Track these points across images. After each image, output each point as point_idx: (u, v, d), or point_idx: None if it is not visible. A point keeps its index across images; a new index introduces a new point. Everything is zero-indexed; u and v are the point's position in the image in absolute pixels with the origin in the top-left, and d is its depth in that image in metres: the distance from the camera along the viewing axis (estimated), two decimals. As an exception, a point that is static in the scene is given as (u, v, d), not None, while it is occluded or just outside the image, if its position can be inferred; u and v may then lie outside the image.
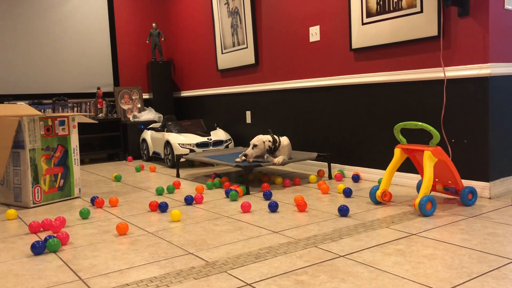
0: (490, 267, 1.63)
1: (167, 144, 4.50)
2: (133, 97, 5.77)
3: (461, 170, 2.79)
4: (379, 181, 3.02)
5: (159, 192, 3.18)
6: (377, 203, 2.67)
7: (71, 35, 5.49)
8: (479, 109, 2.70)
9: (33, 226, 2.35)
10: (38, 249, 1.98)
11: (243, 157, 3.36)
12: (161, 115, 5.52)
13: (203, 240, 2.09)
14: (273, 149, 3.33)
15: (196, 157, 3.81)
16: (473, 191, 2.54)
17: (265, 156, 3.35)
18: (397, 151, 2.62)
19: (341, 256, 1.80)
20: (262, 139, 3.31)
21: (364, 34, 3.30)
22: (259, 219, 2.43)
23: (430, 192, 2.56)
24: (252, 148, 3.30)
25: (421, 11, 2.90)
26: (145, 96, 6.02)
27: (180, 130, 4.56)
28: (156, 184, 3.63)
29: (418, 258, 1.74)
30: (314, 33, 3.75)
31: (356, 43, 3.37)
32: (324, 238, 2.05)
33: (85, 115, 5.23)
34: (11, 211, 2.66)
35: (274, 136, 3.36)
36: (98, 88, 5.48)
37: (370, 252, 1.83)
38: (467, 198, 2.52)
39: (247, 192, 3.10)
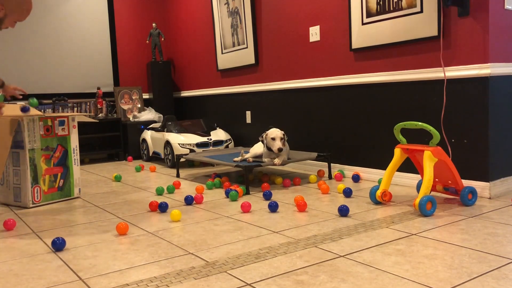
0: (490, 267, 1.63)
1: (167, 144, 4.50)
2: (133, 97, 5.77)
3: (461, 170, 2.79)
4: (379, 181, 3.02)
5: (159, 192, 3.18)
6: (377, 203, 2.67)
7: (71, 35, 5.49)
8: (479, 109, 2.70)
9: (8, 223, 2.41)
10: (58, 245, 2.01)
11: (245, 155, 3.35)
12: (161, 115, 5.52)
13: (203, 240, 2.09)
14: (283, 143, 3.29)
15: (196, 157, 3.81)
16: (473, 191, 2.54)
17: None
18: (397, 151, 2.62)
19: (341, 256, 1.80)
20: (277, 131, 3.25)
21: (364, 34, 3.30)
22: (259, 219, 2.43)
23: (430, 192, 2.56)
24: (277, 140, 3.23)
25: (421, 11, 2.90)
26: (145, 96, 6.02)
27: (180, 130, 4.56)
28: (156, 184, 3.63)
29: (418, 258, 1.74)
30: (314, 33, 3.75)
31: (356, 43, 3.37)
32: (324, 238, 2.05)
33: (85, 115, 5.23)
34: None
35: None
36: (98, 88, 5.48)
37: (370, 252, 1.83)
38: (467, 198, 2.52)
39: (247, 192, 3.10)
